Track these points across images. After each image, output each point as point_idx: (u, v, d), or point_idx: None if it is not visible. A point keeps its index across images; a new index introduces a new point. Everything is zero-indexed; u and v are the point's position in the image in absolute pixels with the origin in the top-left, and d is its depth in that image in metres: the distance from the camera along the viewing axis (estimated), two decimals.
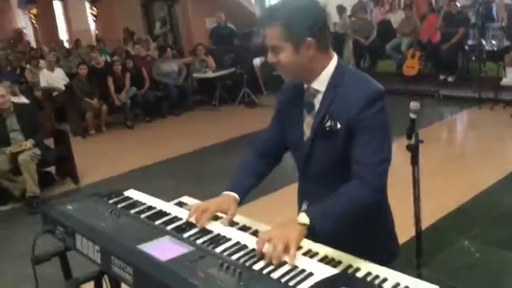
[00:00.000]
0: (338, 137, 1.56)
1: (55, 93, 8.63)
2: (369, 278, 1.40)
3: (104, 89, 8.37)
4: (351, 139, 1.54)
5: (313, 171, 1.69)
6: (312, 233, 1.44)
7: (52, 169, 5.90)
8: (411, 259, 3.14)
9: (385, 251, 1.73)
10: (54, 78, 8.66)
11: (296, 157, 1.76)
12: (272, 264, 1.35)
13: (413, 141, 2.81)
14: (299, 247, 1.50)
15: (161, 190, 5.20)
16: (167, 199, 5.32)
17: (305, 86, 1.66)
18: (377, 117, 1.52)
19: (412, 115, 2.79)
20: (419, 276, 3.01)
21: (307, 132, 1.65)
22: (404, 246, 3.39)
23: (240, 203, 1.74)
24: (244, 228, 1.74)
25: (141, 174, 6.00)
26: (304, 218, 1.43)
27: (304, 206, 1.77)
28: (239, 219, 1.77)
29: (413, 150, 2.83)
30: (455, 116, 7.36)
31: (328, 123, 1.57)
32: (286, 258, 1.37)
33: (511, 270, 3.17)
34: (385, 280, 1.40)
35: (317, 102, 1.62)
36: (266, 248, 1.38)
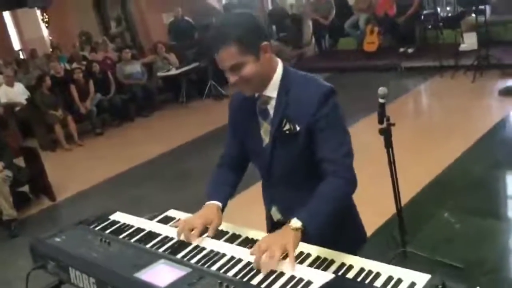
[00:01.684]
0: (299, 138, 1.61)
1: (17, 108, 8.42)
2: (362, 276, 1.45)
3: (67, 98, 8.20)
4: (311, 139, 1.60)
5: (276, 175, 1.73)
6: (306, 236, 1.48)
7: (25, 188, 5.77)
8: (395, 236, 3.25)
9: (353, 241, 1.81)
10: (14, 93, 8.43)
11: (257, 164, 1.81)
12: (270, 273, 1.38)
13: (384, 125, 2.90)
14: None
15: (141, 196, 5.23)
16: (149, 206, 5.30)
17: (256, 95, 1.68)
18: (333, 113, 1.59)
19: (381, 100, 2.86)
20: (404, 253, 3.12)
21: (266, 138, 1.70)
22: (387, 224, 3.52)
23: (222, 210, 1.77)
24: (234, 237, 1.78)
25: (118, 182, 5.95)
26: (296, 223, 1.47)
27: (274, 210, 1.82)
28: (225, 226, 1.81)
29: (386, 134, 2.91)
30: (418, 87, 7.52)
31: (287, 126, 1.62)
32: (284, 265, 1.40)
33: (489, 237, 3.30)
34: (378, 275, 1.46)
35: (270, 108, 1.67)
36: (264, 257, 1.40)
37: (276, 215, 1.82)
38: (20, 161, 5.72)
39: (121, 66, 9.03)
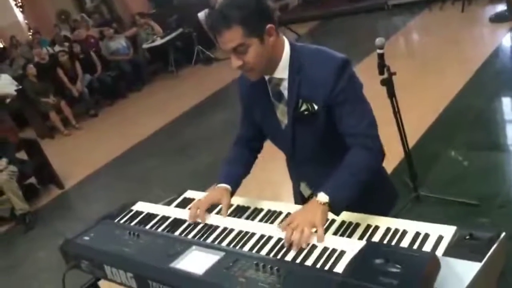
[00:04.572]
0: (319, 117, 1.57)
1: (7, 100, 8.31)
2: (390, 236, 1.48)
3: (57, 83, 8.09)
4: (332, 116, 1.56)
5: (303, 154, 1.71)
6: (334, 209, 1.50)
7: (32, 180, 5.79)
8: (406, 182, 3.30)
9: (385, 202, 1.84)
10: (2, 85, 8.31)
11: (279, 144, 1.79)
12: (302, 249, 1.41)
13: (386, 75, 2.88)
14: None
15: (149, 173, 5.27)
16: (158, 181, 5.31)
17: (266, 78, 1.63)
18: (350, 86, 1.53)
19: (379, 51, 2.84)
20: (417, 197, 3.17)
21: (284, 120, 1.66)
22: (396, 170, 3.56)
23: (233, 192, 1.80)
24: (256, 211, 1.82)
25: (123, 161, 5.97)
26: (323, 197, 1.47)
27: (304, 186, 1.83)
28: (244, 201, 1.86)
29: (388, 84, 2.90)
30: (408, 24, 7.41)
31: (304, 107, 1.57)
32: (314, 240, 1.43)
33: (499, 169, 3.33)
34: (405, 232, 1.49)
35: (284, 89, 1.62)
36: (294, 235, 1.42)
37: (306, 191, 1.82)
38: (21, 154, 5.73)
39: (106, 43, 8.87)
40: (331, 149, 1.62)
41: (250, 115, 1.78)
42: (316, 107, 1.56)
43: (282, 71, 1.59)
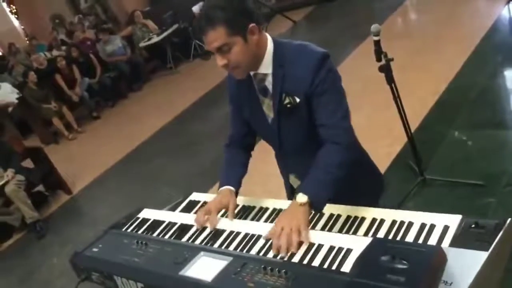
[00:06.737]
0: (301, 110, 1.63)
1: (10, 109, 8.34)
2: (396, 228, 1.49)
3: (56, 89, 8.09)
4: (312, 107, 1.62)
5: (289, 146, 1.77)
6: (315, 207, 1.54)
7: (40, 187, 5.82)
8: (412, 166, 3.29)
9: (374, 185, 1.89)
10: (3, 94, 8.32)
11: (266, 139, 1.85)
12: (309, 247, 1.43)
13: (383, 61, 2.86)
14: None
15: (156, 172, 5.29)
16: (166, 180, 5.30)
17: (251, 73, 1.68)
18: (328, 78, 1.59)
19: (375, 38, 2.81)
20: (423, 181, 3.16)
21: (270, 114, 1.73)
22: (401, 154, 3.55)
23: (237, 193, 1.83)
24: (262, 211, 1.82)
25: (129, 162, 5.99)
26: (302, 198, 1.51)
27: (293, 178, 1.88)
28: (248, 200, 1.88)
29: (386, 70, 2.88)
30: (405, 3, 7.33)
31: (287, 100, 1.63)
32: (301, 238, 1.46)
33: (505, 146, 3.30)
34: (411, 224, 1.49)
35: (268, 84, 1.68)
36: (280, 241, 1.45)
37: (295, 182, 1.88)
38: (27, 163, 5.75)
39: (102, 46, 8.84)
40: (317, 140, 1.66)
41: (241, 113, 1.84)
42: (298, 100, 1.62)
43: (266, 67, 1.65)
